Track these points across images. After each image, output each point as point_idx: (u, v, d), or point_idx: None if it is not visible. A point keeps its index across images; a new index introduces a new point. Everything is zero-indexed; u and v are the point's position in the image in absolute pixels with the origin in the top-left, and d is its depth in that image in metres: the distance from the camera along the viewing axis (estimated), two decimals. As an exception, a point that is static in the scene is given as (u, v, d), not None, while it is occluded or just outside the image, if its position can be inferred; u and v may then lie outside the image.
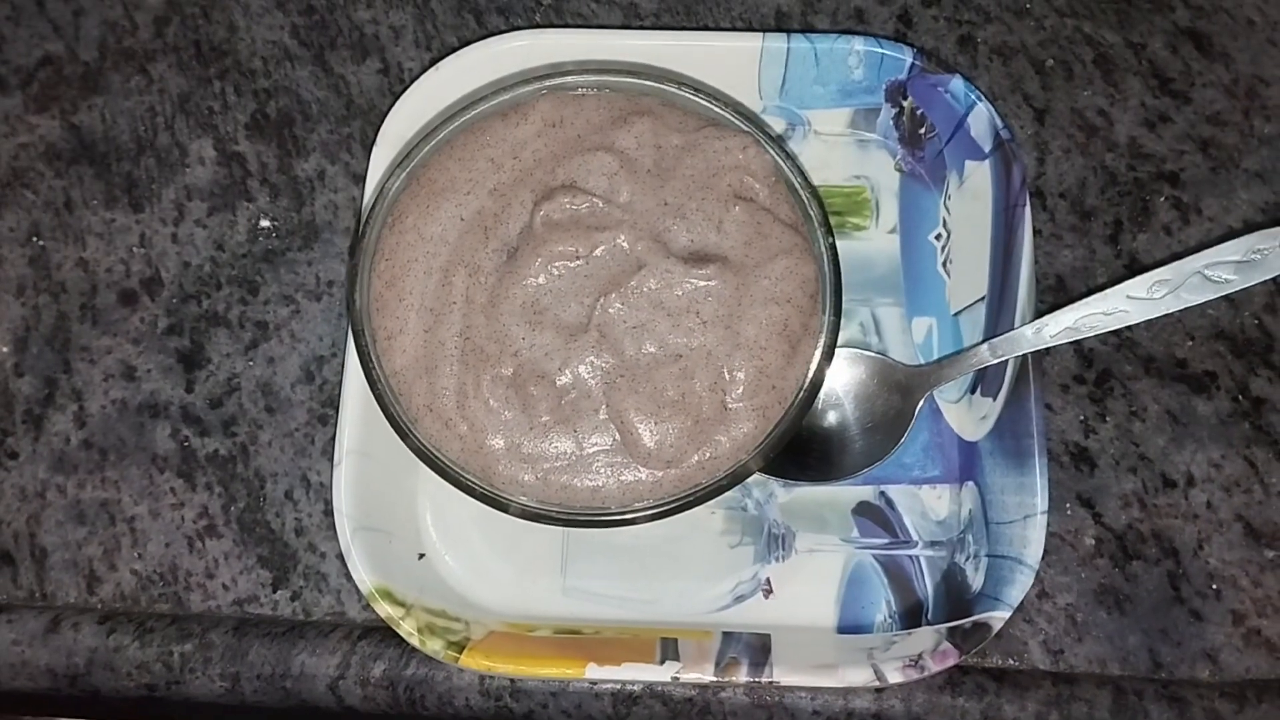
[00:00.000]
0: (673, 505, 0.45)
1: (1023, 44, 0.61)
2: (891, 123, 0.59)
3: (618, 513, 0.45)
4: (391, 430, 0.51)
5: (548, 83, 0.49)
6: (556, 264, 0.46)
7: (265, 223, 0.59)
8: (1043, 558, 0.50)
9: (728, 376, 0.45)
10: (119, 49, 0.62)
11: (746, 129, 0.48)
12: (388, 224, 0.48)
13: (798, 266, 0.46)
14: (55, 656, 0.52)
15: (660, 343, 0.45)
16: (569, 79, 0.49)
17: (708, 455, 0.45)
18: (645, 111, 0.49)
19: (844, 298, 0.48)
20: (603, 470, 0.45)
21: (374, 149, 0.56)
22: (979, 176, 0.56)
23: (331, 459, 0.52)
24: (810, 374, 0.46)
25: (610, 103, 0.49)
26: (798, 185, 0.48)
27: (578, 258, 0.46)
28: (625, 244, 0.46)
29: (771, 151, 0.48)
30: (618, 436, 0.45)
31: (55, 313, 0.58)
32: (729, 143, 0.48)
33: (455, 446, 0.45)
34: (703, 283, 0.46)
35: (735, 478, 0.45)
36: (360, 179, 0.59)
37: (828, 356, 0.46)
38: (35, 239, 0.59)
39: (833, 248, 0.47)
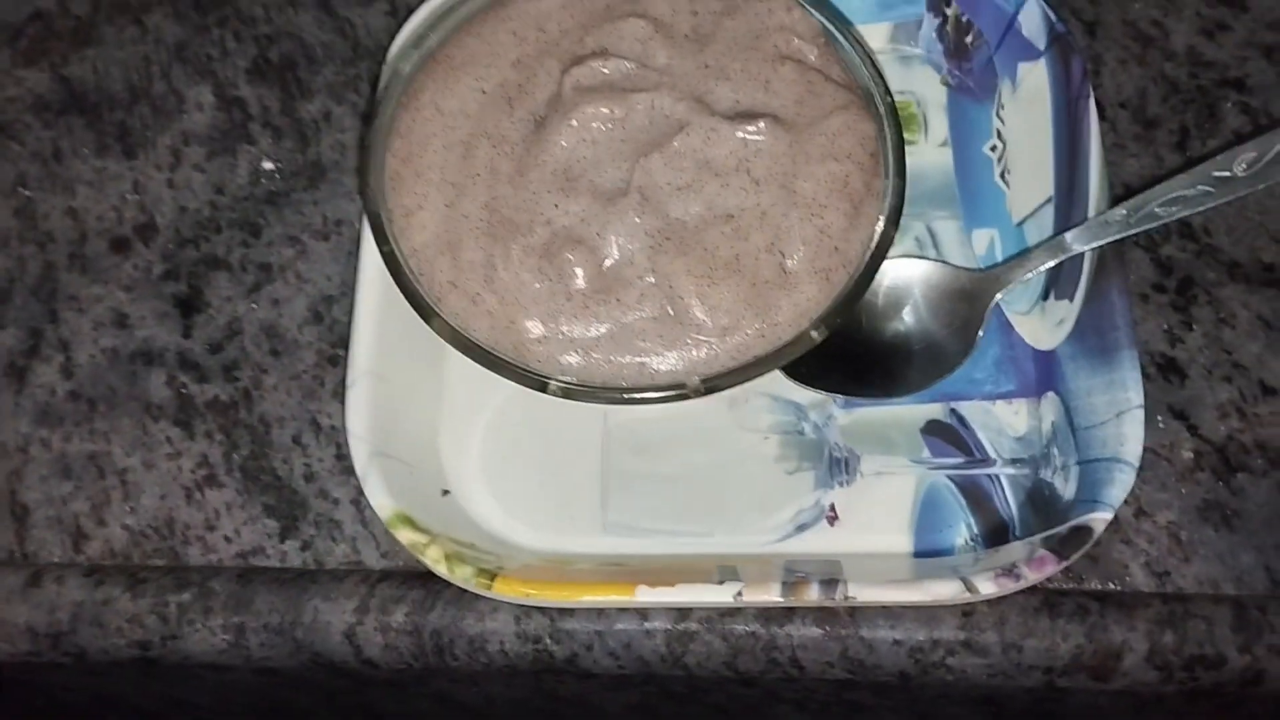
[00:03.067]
0: (730, 377, 0.40)
1: (1066, -41, 0.58)
2: (935, 35, 0.55)
3: (668, 388, 0.40)
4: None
5: (571, -39, 0.46)
6: (590, 126, 0.41)
7: (268, 165, 0.55)
8: (1137, 474, 0.44)
9: (786, 236, 0.40)
10: (112, 2, 0.59)
11: (789, -8, 0.45)
12: (402, 103, 0.44)
13: (856, 123, 0.42)
14: (36, 613, 0.46)
15: (709, 204, 0.41)
16: (594, -40, 0.46)
17: (767, 323, 0.40)
18: (679, -20, 0.45)
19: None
20: (650, 342, 0.40)
21: (381, 76, 0.52)
22: (1034, 78, 0.52)
23: (343, 401, 0.48)
24: (876, 237, 0.41)
25: (641, -25, 0.45)
26: (849, 44, 0.44)
27: (612, 120, 0.42)
28: (665, 105, 0.42)
29: (818, 15, 0.44)
30: (666, 305, 0.40)
31: (41, 263, 0.53)
32: (772, 3, 0.44)
33: (484, 324, 0.40)
34: (753, 138, 0.41)
35: (797, 347, 0.40)
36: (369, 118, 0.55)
37: (893, 221, 0.42)
38: (21, 189, 0.55)
39: (892, 108, 0.43)
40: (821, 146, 0.41)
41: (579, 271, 0.40)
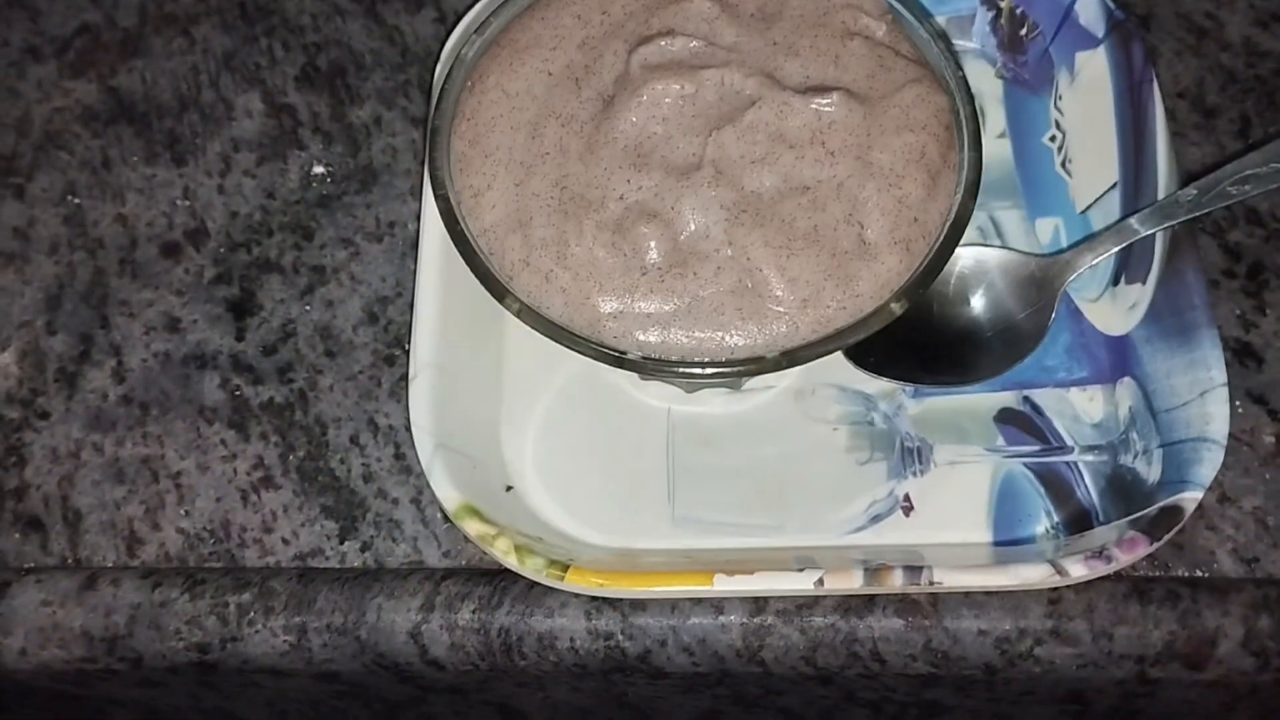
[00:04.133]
0: (810, 349, 0.39)
1: (1115, -45, 0.58)
2: (989, 28, 0.54)
3: (746, 361, 0.38)
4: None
5: (631, -52, 0.45)
6: (661, 103, 0.41)
7: (319, 169, 0.54)
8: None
9: (864, 207, 0.40)
10: (160, 15, 0.59)
11: (853, -26, 0.44)
12: (467, 87, 0.43)
13: (929, 95, 0.41)
14: (92, 617, 0.45)
15: (784, 176, 0.40)
16: (654, -54, 0.45)
17: (848, 294, 0.39)
18: (742, -37, 0.44)
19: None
20: (728, 316, 0.39)
21: (441, 62, 0.52)
22: (1094, 66, 0.52)
23: (402, 401, 0.47)
24: (955, 209, 0.40)
25: (703, -40, 0.45)
26: (916, 21, 0.43)
27: (683, 96, 0.41)
28: (735, 80, 0.41)
29: (883, -6, 0.44)
30: (743, 278, 0.39)
31: (92, 269, 0.52)
32: (837, -18, 0.43)
33: (558, 301, 0.39)
34: (826, 110, 0.40)
35: (878, 320, 0.39)
36: (420, 122, 0.55)
37: (971, 194, 0.41)
38: (71, 198, 0.54)
39: (964, 81, 0.42)
40: (896, 118, 0.41)
41: (653, 245, 0.39)
